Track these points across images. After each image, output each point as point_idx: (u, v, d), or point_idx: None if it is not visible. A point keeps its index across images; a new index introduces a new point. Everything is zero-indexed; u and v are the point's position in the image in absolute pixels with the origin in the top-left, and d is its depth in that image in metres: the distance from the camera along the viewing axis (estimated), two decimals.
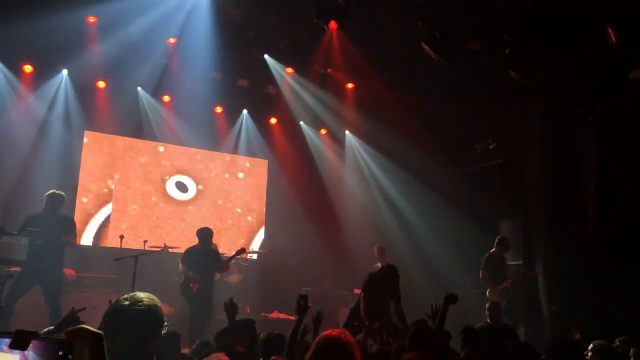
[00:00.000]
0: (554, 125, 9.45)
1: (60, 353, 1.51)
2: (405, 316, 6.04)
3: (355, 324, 6.08)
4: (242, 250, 8.00)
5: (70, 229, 7.06)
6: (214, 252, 7.99)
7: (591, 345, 4.70)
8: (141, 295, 2.31)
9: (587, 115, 8.95)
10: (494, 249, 8.66)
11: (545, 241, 9.31)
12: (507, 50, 8.35)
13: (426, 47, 8.10)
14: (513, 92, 9.46)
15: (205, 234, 7.83)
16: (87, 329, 1.62)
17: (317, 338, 2.77)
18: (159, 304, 2.31)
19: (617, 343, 5.04)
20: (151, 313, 2.25)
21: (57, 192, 6.96)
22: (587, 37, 7.58)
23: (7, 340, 1.51)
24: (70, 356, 1.51)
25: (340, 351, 2.65)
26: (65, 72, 9.77)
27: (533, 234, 9.67)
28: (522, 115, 10.15)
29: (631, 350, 4.92)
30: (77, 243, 7.35)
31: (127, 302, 2.24)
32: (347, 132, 12.24)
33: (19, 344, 1.49)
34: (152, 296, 2.33)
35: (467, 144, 11.20)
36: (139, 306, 2.24)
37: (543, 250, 9.33)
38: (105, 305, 2.36)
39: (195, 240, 7.89)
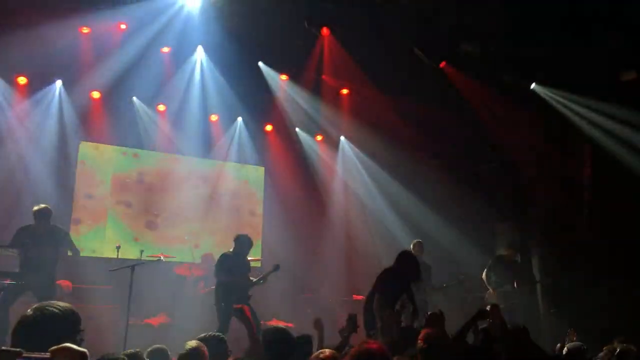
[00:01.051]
0: (549, 126, 9.48)
1: None
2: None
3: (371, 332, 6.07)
4: (277, 268, 7.78)
5: (63, 240, 7.16)
6: (249, 263, 7.79)
7: (565, 349, 4.82)
8: (49, 303, 2.34)
9: (582, 116, 8.99)
10: (505, 252, 8.72)
11: (543, 243, 9.31)
12: (500, 53, 8.38)
13: (418, 52, 8.13)
14: (508, 95, 9.49)
15: (244, 242, 7.67)
16: (70, 347, 1.62)
17: (356, 349, 2.77)
18: (69, 308, 2.32)
19: (616, 344, 5.05)
20: (57, 317, 2.26)
21: (41, 206, 7.04)
22: (580, 38, 7.62)
23: None
24: None
25: None
26: (59, 83, 9.75)
27: (530, 236, 9.67)
28: (518, 117, 10.17)
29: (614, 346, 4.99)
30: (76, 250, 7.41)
31: (31, 312, 2.27)
32: (342, 138, 12.23)
33: None
34: (62, 303, 2.35)
35: (463, 148, 11.21)
36: (45, 312, 2.26)
37: (540, 252, 9.33)
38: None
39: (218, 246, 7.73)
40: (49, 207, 7.11)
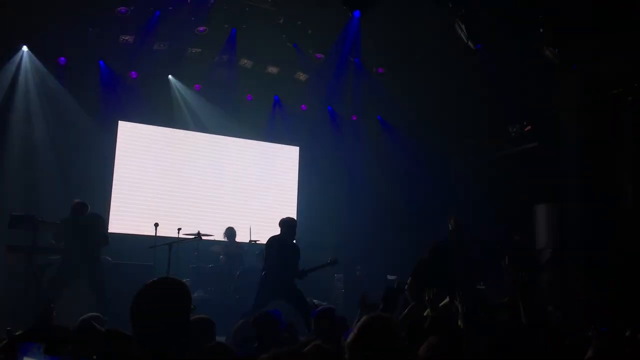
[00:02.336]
0: (590, 106, 9.19)
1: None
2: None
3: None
4: (333, 262, 7.74)
5: (101, 226, 7.76)
6: (297, 247, 7.57)
7: None
8: (170, 277, 2.54)
9: (625, 95, 8.69)
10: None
11: (582, 225, 9.10)
12: (541, 30, 8.14)
13: (458, 30, 7.93)
14: (548, 73, 9.23)
15: (290, 225, 7.44)
16: (95, 328, 1.67)
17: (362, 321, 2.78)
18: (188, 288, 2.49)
19: None
20: (180, 291, 2.42)
21: (79, 203, 7.47)
22: (624, 14, 7.35)
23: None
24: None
25: (381, 334, 2.66)
26: (98, 63, 9.89)
27: (569, 218, 9.46)
28: (558, 96, 9.91)
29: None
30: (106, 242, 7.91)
31: (157, 280, 2.45)
32: (378, 117, 12.15)
33: (52, 349, 1.53)
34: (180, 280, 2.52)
35: (501, 127, 10.97)
36: (169, 283, 2.44)
37: (579, 235, 9.13)
38: None
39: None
40: (83, 202, 7.53)
